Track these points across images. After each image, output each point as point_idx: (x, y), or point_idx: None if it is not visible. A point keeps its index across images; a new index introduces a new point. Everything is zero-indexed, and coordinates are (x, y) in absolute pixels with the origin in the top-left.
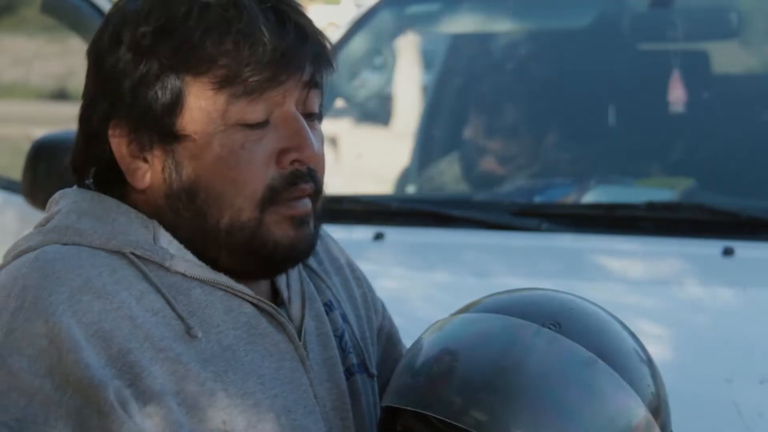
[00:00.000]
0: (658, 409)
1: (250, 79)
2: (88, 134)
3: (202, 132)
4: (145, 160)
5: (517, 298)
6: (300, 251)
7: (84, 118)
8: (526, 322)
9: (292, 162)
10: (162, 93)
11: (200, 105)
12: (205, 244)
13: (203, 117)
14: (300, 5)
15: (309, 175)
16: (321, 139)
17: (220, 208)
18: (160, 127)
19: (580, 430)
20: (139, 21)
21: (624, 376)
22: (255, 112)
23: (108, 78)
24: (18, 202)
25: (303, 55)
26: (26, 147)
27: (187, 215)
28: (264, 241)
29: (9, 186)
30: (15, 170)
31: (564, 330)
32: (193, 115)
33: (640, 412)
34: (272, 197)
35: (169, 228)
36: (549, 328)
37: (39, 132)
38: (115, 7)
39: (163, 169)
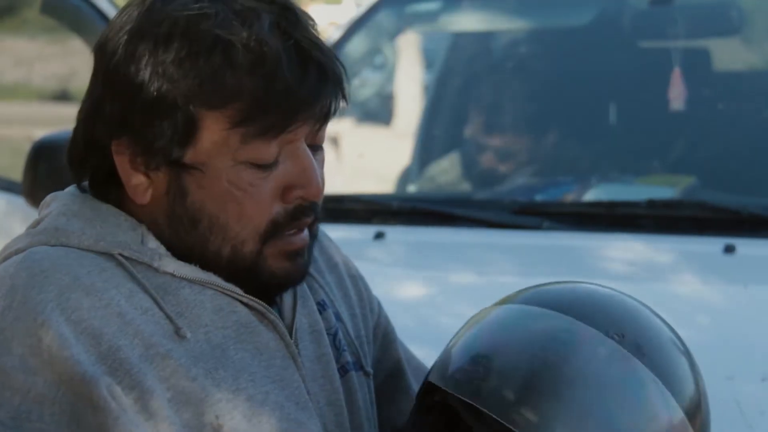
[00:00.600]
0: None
1: (268, 121)
2: (89, 140)
3: (212, 166)
4: (148, 176)
5: (581, 295)
6: (293, 280)
7: (87, 119)
8: (592, 330)
9: (296, 198)
10: (177, 123)
11: (213, 139)
12: (202, 262)
13: (215, 151)
14: (320, 38)
15: (311, 208)
16: (323, 163)
17: (223, 238)
18: (169, 155)
19: None
20: (158, 42)
21: (677, 398)
22: (267, 153)
23: (120, 86)
24: (19, 203)
25: (322, 95)
26: (27, 148)
27: (188, 238)
28: (261, 271)
29: (10, 187)
30: (16, 171)
31: (627, 342)
32: (204, 147)
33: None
34: (275, 231)
35: (164, 243)
36: (613, 338)
37: (40, 133)
38: (128, 13)
39: (167, 192)
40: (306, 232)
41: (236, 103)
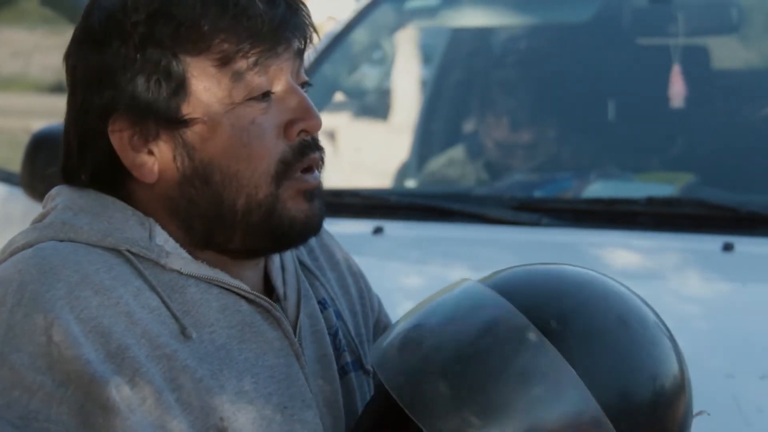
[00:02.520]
0: (682, 387)
1: (251, 53)
2: (83, 134)
3: (211, 113)
4: (150, 153)
5: (534, 281)
6: (314, 225)
7: (77, 120)
8: (521, 319)
9: (299, 133)
10: (165, 80)
11: (205, 86)
12: (218, 228)
13: (210, 97)
14: None
15: (315, 143)
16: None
17: (236, 189)
18: (166, 115)
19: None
20: (128, 12)
21: (595, 392)
22: (259, 84)
23: (102, 77)
24: (17, 194)
25: (294, 26)
26: (25, 139)
27: (202, 201)
28: (281, 218)
29: (8, 178)
30: (13, 163)
31: (558, 337)
32: (199, 97)
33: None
34: (285, 171)
35: (183, 219)
36: (541, 327)
37: (38, 124)
38: (93, 6)
39: (173, 157)
40: (317, 172)
41: (217, 43)
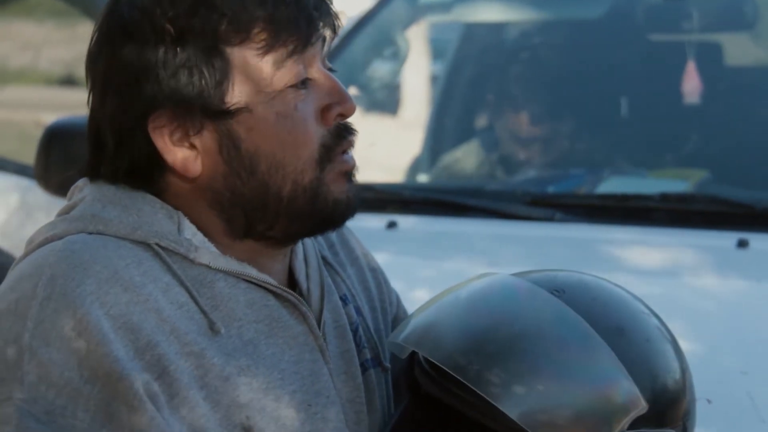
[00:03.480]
0: (683, 391)
1: (290, 40)
2: (119, 133)
3: (255, 102)
4: (192, 147)
5: (545, 273)
6: (354, 205)
7: (113, 120)
8: (530, 284)
9: (336, 117)
10: (208, 72)
11: (248, 75)
12: (261, 216)
13: (253, 86)
14: None
15: (351, 127)
16: None
17: (282, 176)
18: (210, 107)
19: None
20: (163, 6)
21: (628, 354)
22: (299, 71)
23: (140, 75)
24: (28, 186)
25: (325, 13)
26: (35, 132)
27: (247, 191)
28: (325, 201)
29: (20, 170)
30: (23, 155)
31: (566, 297)
32: (243, 87)
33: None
34: (327, 155)
35: (225, 210)
36: (553, 293)
37: (48, 117)
38: (118, 2)
39: (219, 149)
40: (351, 154)
41: (257, 32)
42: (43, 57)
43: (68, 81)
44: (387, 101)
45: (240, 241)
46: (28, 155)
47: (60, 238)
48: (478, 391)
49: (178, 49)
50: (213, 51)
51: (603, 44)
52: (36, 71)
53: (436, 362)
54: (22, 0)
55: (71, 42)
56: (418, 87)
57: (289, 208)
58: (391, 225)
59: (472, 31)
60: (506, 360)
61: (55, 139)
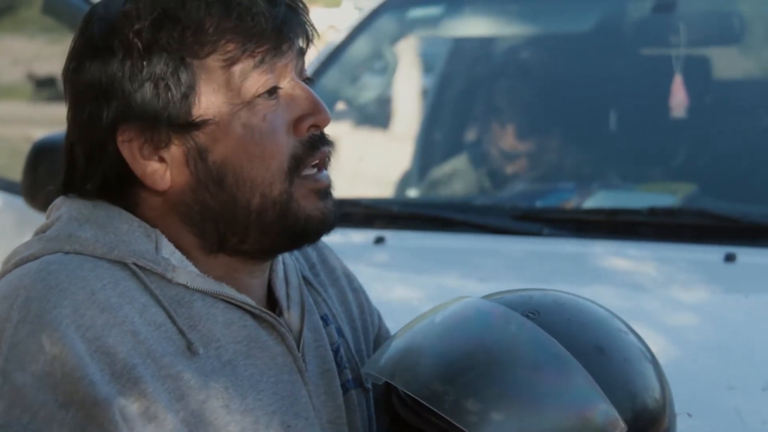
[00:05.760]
0: (663, 409)
1: (257, 51)
2: (90, 147)
3: (222, 113)
4: (161, 160)
5: (519, 293)
6: (329, 222)
7: (82, 134)
8: (504, 308)
9: (309, 128)
10: (174, 84)
11: (214, 87)
12: (232, 229)
13: (219, 98)
14: None
15: (324, 137)
16: None
17: (251, 188)
18: (177, 120)
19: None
20: (130, 20)
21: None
22: (267, 81)
23: (107, 88)
24: (17, 203)
25: (296, 24)
26: (25, 148)
27: (216, 204)
28: (296, 216)
29: (8, 187)
30: (13, 171)
31: (541, 319)
32: (209, 98)
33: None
34: (297, 166)
35: (196, 224)
36: (527, 316)
37: (37, 133)
38: (90, 18)
39: (186, 161)
40: (326, 172)
41: (223, 44)
42: (34, 72)
43: (60, 97)
44: (376, 115)
45: (215, 256)
46: (18, 171)
47: (36, 257)
48: (454, 423)
49: (145, 62)
50: (179, 64)
51: (591, 58)
52: (27, 86)
53: (411, 394)
54: (13, 15)
55: (63, 58)
56: (408, 102)
57: (259, 220)
58: (379, 240)
59: (461, 45)
60: (482, 388)
61: (42, 155)
